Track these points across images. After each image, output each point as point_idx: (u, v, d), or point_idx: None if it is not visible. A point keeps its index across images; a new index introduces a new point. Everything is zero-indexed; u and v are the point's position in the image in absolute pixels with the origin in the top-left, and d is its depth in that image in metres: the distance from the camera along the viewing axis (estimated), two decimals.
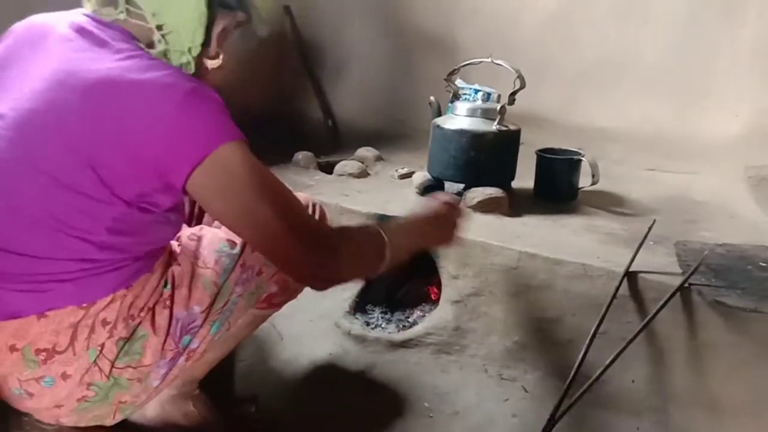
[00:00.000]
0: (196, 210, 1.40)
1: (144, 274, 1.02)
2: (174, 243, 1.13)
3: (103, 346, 0.99)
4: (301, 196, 1.30)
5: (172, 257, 1.10)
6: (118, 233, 0.96)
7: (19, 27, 1.04)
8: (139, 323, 1.03)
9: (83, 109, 0.89)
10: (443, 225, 1.26)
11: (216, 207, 0.97)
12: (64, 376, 0.99)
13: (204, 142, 0.91)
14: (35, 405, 1.02)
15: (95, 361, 0.99)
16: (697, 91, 2.36)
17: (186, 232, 1.16)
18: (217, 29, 1.02)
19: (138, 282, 1.01)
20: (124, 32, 0.98)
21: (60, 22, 0.99)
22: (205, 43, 1.02)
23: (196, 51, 1.01)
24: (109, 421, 1.09)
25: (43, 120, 0.90)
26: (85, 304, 0.96)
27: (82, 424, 1.07)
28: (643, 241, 1.62)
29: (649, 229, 1.68)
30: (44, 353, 0.96)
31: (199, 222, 1.40)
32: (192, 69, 1.01)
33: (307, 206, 1.30)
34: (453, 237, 1.27)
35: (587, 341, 1.41)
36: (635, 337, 1.38)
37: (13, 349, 0.95)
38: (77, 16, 1.00)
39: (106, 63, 0.91)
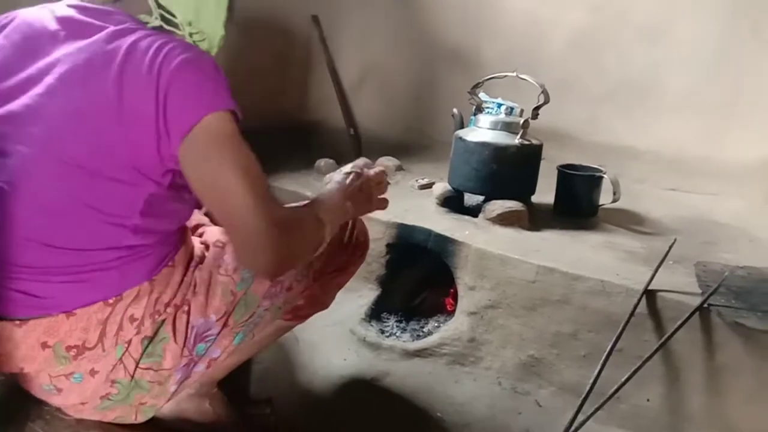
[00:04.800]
0: None
1: (166, 267, 1.04)
2: (198, 244, 1.14)
3: (129, 343, 1.01)
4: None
5: (192, 251, 1.11)
6: (148, 215, 0.97)
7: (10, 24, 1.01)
8: (163, 321, 1.04)
9: (95, 93, 0.91)
10: (366, 192, 1.21)
11: (192, 176, 0.95)
12: (92, 373, 1.00)
13: (193, 110, 0.91)
14: (62, 401, 1.04)
15: (121, 358, 1.01)
16: (723, 114, 2.34)
17: (213, 237, 1.17)
18: None
19: (161, 276, 1.03)
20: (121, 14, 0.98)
21: (46, 14, 0.99)
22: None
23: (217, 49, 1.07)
24: (131, 421, 1.11)
25: (63, 111, 0.91)
26: (111, 300, 0.98)
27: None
28: (663, 260, 1.61)
29: (670, 248, 1.67)
30: (75, 349, 0.98)
31: None
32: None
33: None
34: (380, 200, 1.24)
35: (603, 358, 1.40)
36: (652, 355, 1.38)
37: (45, 346, 0.97)
38: (63, 8, 0.99)
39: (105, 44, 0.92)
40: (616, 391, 1.35)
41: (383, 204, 1.25)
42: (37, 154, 0.92)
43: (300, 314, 1.33)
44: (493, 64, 2.30)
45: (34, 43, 0.96)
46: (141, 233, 0.98)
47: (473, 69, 2.52)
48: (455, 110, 2.06)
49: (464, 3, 2.77)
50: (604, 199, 1.99)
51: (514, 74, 1.91)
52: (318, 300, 1.33)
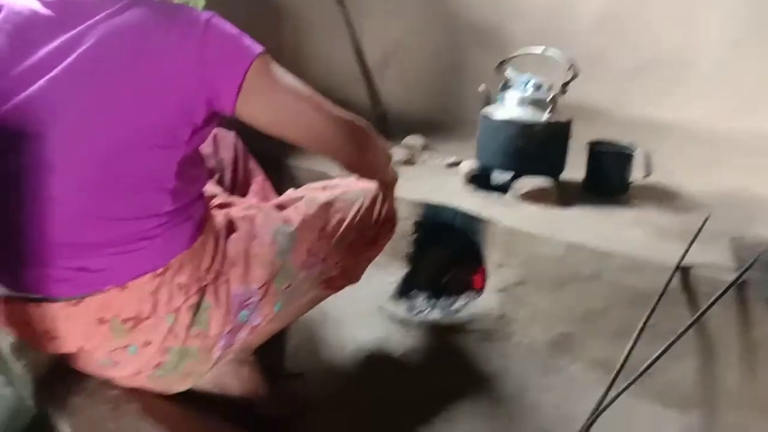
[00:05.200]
0: (240, 177, 1.45)
1: (200, 235, 1.07)
2: (219, 215, 1.17)
3: (178, 311, 1.04)
4: (369, 183, 1.35)
5: (214, 221, 1.14)
6: (182, 178, 1.01)
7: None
8: (206, 287, 1.07)
9: (124, 64, 0.93)
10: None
11: (264, 120, 1.04)
12: (146, 343, 1.04)
13: (240, 62, 0.96)
14: (118, 373, 1.08)
15: (172, 326, 1.05)
16: (755, 86, 2.27)
17: (240, 212, 1.20)
18: None
19: (197, 244, 1.06)
20: None
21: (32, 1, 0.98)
22: None
23: None
24: (179, 389, 1.15)
25: (94, 90, 0.93)
26: (160, 270, 1.01)
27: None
28: (697, 235, 1.58)
29: (704, 223, 1.64)
30: (131, 321, 1.02)
31: (243, 189, 1.45)
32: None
33: (374, 194, 1.35)
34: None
35: (636, 333, 1.39)
36: (686, 330, 1.36)
37: (102, 321, 1.01)
38: None
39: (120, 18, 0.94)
40: (650, 365, 1.33)
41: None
42: (75, 133, 0.94)
43: (334, 285, 1.36)
44: (520, 41, 2.25)
45: (29, 32, 0.96)
46: (177, 196, 1.01)
47: (500, 47, 2.48)
48: (483, 86, 2.03)
49: None
50: (636, 175, 1.96)
51: (542, 50, 1.87)
52: (350, 272, 1.37)
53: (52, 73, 0.93)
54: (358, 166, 1.22)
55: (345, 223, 1.27)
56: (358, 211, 1.30)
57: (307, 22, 2.83)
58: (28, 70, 0.94)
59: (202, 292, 1.07)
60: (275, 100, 1.03)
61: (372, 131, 1.19)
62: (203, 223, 1.09)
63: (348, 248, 1.29)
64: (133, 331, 1.02)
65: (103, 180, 0.96)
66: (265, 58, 1.00)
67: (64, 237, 0.97)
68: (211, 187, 1.34)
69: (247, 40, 1.00)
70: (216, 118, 1.04)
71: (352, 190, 1.33)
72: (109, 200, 0.97)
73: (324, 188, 1.32)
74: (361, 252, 1.35)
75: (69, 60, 0.93)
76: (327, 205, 1.26)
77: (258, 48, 0.99)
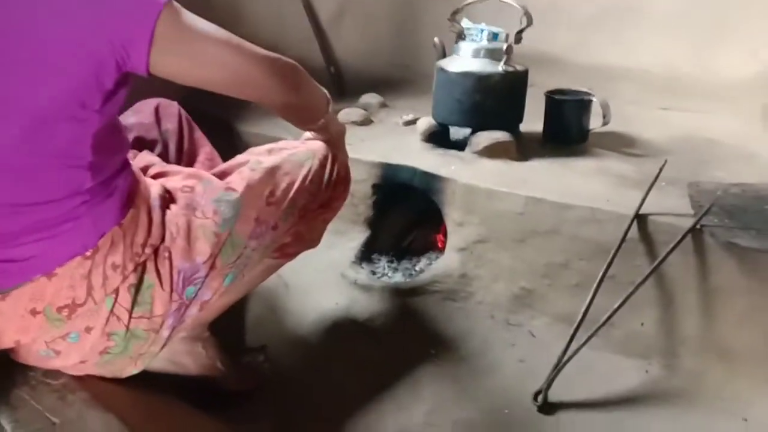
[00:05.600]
0: (185, 147, 1.39)
1: (130, 209, 1.01)
2: (155, 184, 1.11)
3: (117, 292, 0.99)
4: (317, 143, 1.31)
5: (148, 190, 1.08)
6: (99, 151, 0.94)
7: None
8: (145, 264, 1.02)
9: (28, 22, 0.85)
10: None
11: (184, 73, 0.98)
12: (88, 330, 0.99)
13: (146, 14, 0.88)
14: (62, 363, 1.03)
15: (112, 309, 1.00)
16: (713, 31, 2.25)
17: (178, 182, 1.13)
18: None
19: (128, 218, 1.00)
20: None
21: None
22: None
23: None
24: (131, 372, 1.11)
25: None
26: (89, 252, 0.96)
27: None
28: (653, 183, 1.57)
29: (660, 169, 1.63)
30: (66, 309, 0.96)
31: (189, 159, 1.39)
32: None
33: (323, 155, 1.30)
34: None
35: (595, 285, 1.39)
36: (644, 280, 1.36)
37: (34, 312, 0.95)
38: None
39: None
40: (610, 317, 1.34)
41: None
42: None
43: (287, 252, 1.32)
44: None
45: None
46: (97, 171, 0.95)
47: None
48: (436, 39, 1.97)
49: None
50: (594, 123, 1.93)
51: None
52: (305, 237, 1.33)
53: None
54: (296, 108, 1.17)
55: (294, 187, 1.21)
56: (308, 172, 1.23)
57: None
58: None
59: (141, 269, 1.02)
60: (192, 49, 0.95)
61: (303, 70, 1.14)
62: (132, 195, 1.03)
63: (300, 213, 1.24)
64: (71, 318, 0.97)
65: (14, 163, 0.89)
66: (172, 6, 0.91)
67: None
68: (147, 156, 1.27)
69: None
70: (129, 81, 0.95)
71: (299, 151, 1.26)
72: (21, 185, 0.90)
73: (270, 151, 1.25)
74: (314, 216, 1.31)
75: None
76: (273, 169, 1.19)
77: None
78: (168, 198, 1.10)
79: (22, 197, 0.91)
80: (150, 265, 1.03)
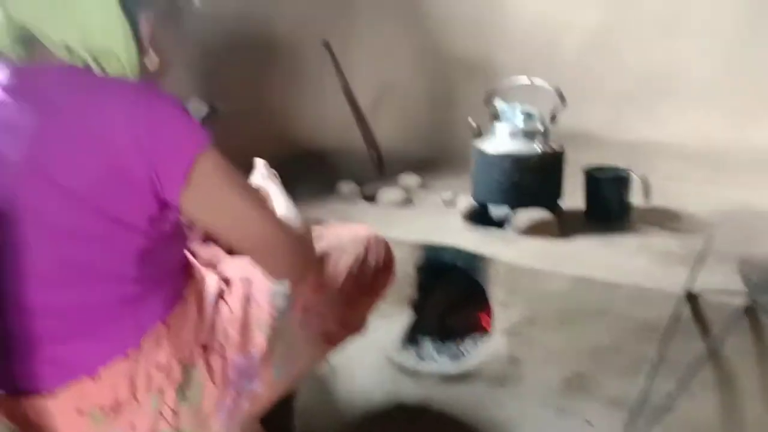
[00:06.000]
0: None
1: (178, 304, 1.02)
2: (213, 279, 1.12)
3: (162, 392, 1.00)
4: (362, 228, 1.33)
5: (203, 284, 1.10)
6: (147, 264, 0.96)
7: None
8: (194, 361, 1.02)
9: (65, 148, 0.87)
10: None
11: (202, 218, 0.99)
12: (132, 427, 0.99)
13: (185, 155, 0.89)
14: None
15: (158, 408, 1.00)
16: (749, 100, 2.25)
17: (237, 272, 1.15)
18: (144, 31, 0.94)
19: (174, 314, 1.01)
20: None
21: None
22: (140, 52, 0.95)
23: (134, 68, 0.94)
24: None
25: (34, 173, 0.88)
26: (131, 352, 0.97)
27: None
28: (701, 259, 1.54)
29: (707, 245, 1.60)
30: (111, 409, 0.97)
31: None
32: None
33: (368, 241, 1.30)
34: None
35: (649, 369, 1.35)
36: (700, 365, 1.32)
37: (80, 412, 0.97)
38: None
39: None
40: (667, 405, 1.30)
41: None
42: (27, 230, 0.90)
43: (335, 339, 1.31)
44: (509, 70, 2.26)
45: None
46: (142, 281, 0.97)
47: (489, 78, 2.48)
48: (470, 119, 2.02)
49: (474, 12, 2.73)
50: (635, 199, 1.93)
51: (526, 79, 1.87)
52: (351, 323, 1.31)
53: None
54: (294, 281, 1.15)
55: (342, 275, 1.23)
56: (355, 261, 1.26)
57: (297, 75, 2.83)
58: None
59: (189, 367, 1.02)
60: (221, 202, 0.96)
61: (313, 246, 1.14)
62: (181, 290, 1.04)
63: (346, 300, 1.25)
64: (115, 416, 0.98)
65: (57, 275, 0.93)
66: (211, 152, 0.92)
67: (25, 331, 0.94)
68: (214, 250, 1.28)
69: (193, 126, 0.92)
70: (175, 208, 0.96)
71: (346, 238, 1.29)
72: (66, 295, 0.94)
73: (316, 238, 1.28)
74: (361, 303, 1.31)
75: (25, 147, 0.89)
76: (321, 258, 1.22)
77: (203, 136, 0.91)
78: (221, 290, 1.11)
79: (65, 307, 0.94)
80: (200, 361, 1.03)
